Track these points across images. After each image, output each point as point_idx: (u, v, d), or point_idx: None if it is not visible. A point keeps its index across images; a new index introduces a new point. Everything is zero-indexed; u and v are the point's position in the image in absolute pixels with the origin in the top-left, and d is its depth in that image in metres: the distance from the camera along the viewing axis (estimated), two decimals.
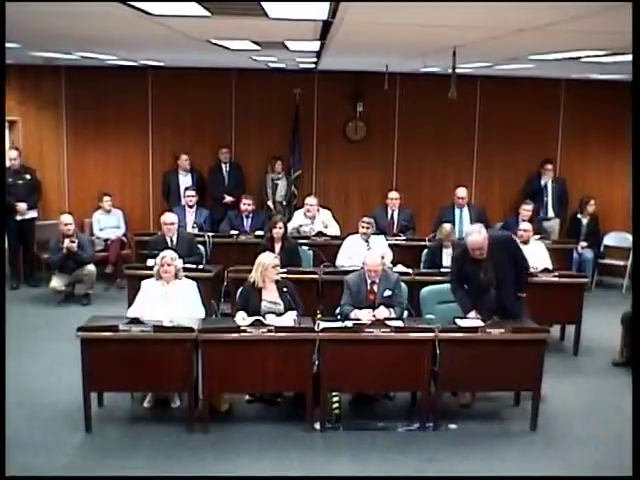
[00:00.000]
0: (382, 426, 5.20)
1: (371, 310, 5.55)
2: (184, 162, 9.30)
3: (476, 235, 5.22)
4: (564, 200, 9.53)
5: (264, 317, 5.25)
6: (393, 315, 5.53)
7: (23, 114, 9.42)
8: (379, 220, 8.15)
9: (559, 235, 9.25)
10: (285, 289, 5.53)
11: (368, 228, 7.23)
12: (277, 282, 5.56)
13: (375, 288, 5.69)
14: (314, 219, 8.22)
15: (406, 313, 5.82)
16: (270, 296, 5.52)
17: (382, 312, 5.51)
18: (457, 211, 8.50)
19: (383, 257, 7.21)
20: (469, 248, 5.26)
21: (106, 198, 9.12)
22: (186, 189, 8.75)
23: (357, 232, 7.31)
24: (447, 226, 7.20)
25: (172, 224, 7.28)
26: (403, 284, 5.94)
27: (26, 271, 8.86)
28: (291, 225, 8.13)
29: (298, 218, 8.32)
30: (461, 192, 8.51)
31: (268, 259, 5.60)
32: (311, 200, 8.28)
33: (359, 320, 5.35)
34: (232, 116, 9.71)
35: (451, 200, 8.68)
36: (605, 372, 6.38)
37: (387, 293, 5.68)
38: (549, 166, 9.46)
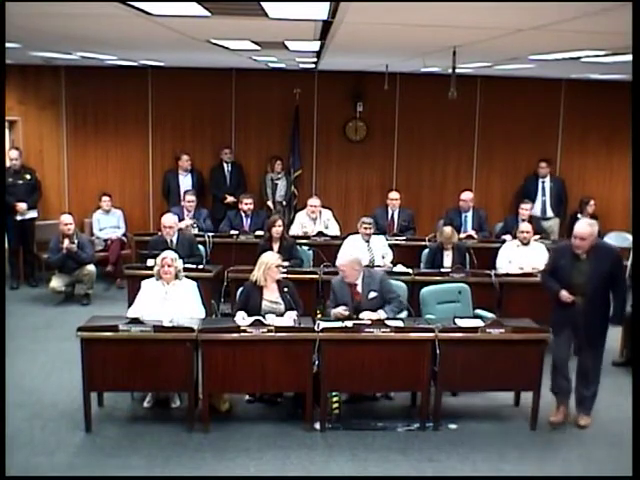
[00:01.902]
0: (382, 426, 5.19)
1: (346, 307, 5.44)
2: (185, 162, 9.30)
3: (585, 225, 5.16)
4: (563, 200, 9.55)
5: (264, 317, 5.25)
6: (384, 315, 5.45)
7: (23, 114, 9.42)
8: (379, 220, 8.17)
9: (559, 235, 9.24)
10: (286, 289, 5.53)
11: (368, 229, 7.23)
12: (278, 282, 5.57)
13: (359, 289, 5.60)
14: (316, 220, 8.22)
15: (406, 313, 5.81)
16: (271, 295, 5.52)
17: (367, 316, 5.40)
18: (463, 214, 8.50)
19: (384, 257, 7.24)
20: (573, 234, 5.16)
21: (105, 198, 9.11)
22: (185, 192, 8.69)
23: (357, 232, 7.31)
24: (448, 229, 7.20)
25: (171, 228, 7.21)
26: (401, 283, 5.90)
27: (26, 271, 8.85)
28: (295, 229, 8.13)
29: (301, 219, 8.28)
30: (466, 196, 8.53)
31: (272, 258, 5.61)
32: (314, 201, 8.28)
33: (339, 318, 5.30)
34: (232, 116, 9.72)
35: (454, 201, 8.68)
36: (605, 372, 6.35)
37: (372, 295, 5.57)
38: (543, 164, 9.49)
